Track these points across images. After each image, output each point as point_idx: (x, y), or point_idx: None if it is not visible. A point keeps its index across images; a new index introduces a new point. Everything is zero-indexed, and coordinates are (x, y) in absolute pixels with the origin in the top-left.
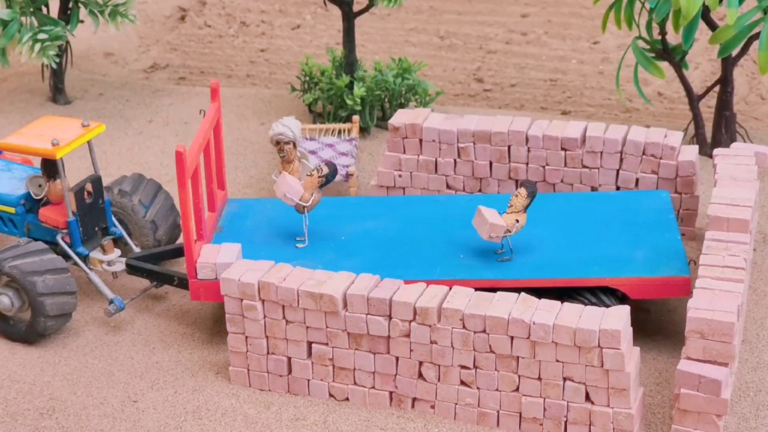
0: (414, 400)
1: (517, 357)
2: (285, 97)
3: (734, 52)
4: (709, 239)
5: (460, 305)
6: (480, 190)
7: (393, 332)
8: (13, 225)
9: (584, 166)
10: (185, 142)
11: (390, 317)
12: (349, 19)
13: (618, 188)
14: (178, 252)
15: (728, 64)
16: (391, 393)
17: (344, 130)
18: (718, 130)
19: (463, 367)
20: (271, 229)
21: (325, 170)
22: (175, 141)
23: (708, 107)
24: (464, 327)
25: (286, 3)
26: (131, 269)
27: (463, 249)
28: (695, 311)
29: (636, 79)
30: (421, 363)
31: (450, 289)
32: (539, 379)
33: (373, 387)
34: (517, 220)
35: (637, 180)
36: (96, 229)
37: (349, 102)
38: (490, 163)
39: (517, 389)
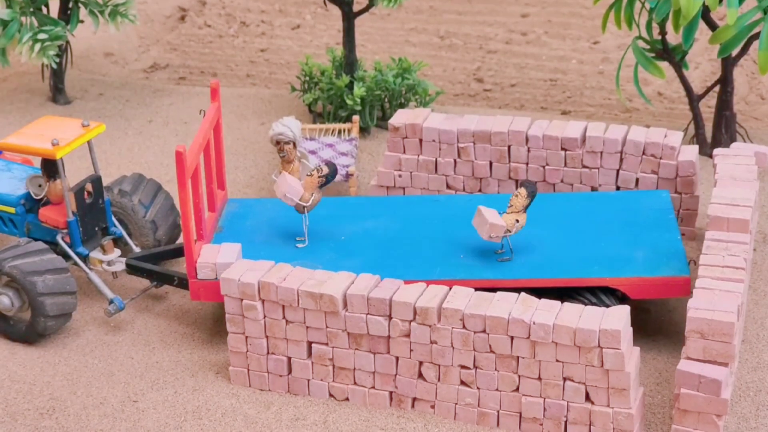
0: (414, 400)
1: (517, 357)
2: (285, 97)
3: (734, 52)
4: (709, 239)
5: (460, 305)
6: (480, 190)
7: (393, 332)
8: (13, 225)
9: (584, 166)
10: (185, 142)
11: (390, 317)
12: (349, 19)
13: (618, 188)
14: (178, 252)
15: (728, 64)
16: (391, 393)
17: (344, 130)
18: (718, 130)
19: (463, 367)
20: (271, 229)
21: (325, 170)
22: (175, 141)
23: (708, 107)
24: (464, 327)
25: (286, 3)
26: (131, 269)
27: (463, 249)
28: (695, 311)
29: (636, 79)
30: (421, 363)
31: (450, 289)
32: (539, 379)
33: (373, 387)
34: (517, 220)
35: (637, 180)
36: (96, 229)
37: (349, 102)
38: (490, 163)
39: (517, 389)
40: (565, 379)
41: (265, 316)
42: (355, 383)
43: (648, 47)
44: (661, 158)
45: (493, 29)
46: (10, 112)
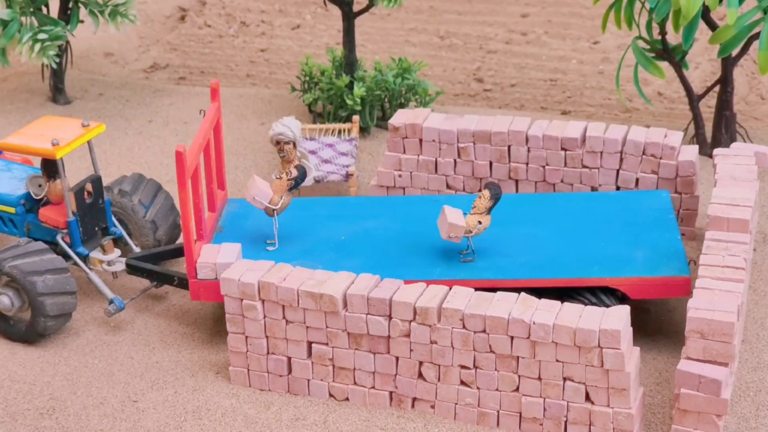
0: (414, 400)
1: (517, 357)
2: (285, 97)
3: (734, 52)
4: (709, 239)
5: (460, 305)
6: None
7: (393, 332)
8: (13, 225)
9: (584, 166)
10: (185, 142)
11: (390, 317)
12: (349, 19)
13: (618, 188)
14: (178, 252)
15: (728, 64)
16: (391, 393)
17: (344, 130)
18: (718, 130)
19: (463, 367)
20: (271, 229)
21: (294, 173)
22: (175, 141)
23: (708, 107)
24: (464, 327)
25: (286, 3)
26: (131, 269)
27: (463, 249)
28: (695, 311)
29: (636, 79)
30: (421, 363)
31: (450, 289)
32: (539, 379)
33: (373, 387)
34: (480, 222)
35: (637, 180)
36: (96, 229)
37: (349, 102)
38: (490, 163)
39: (517, 389)
40: (565, 379)
41: (265, 316)
42: (355, 383)
43: (648, 47)
44: (661, 158)
45: (493, 29)
46: (10, 112)
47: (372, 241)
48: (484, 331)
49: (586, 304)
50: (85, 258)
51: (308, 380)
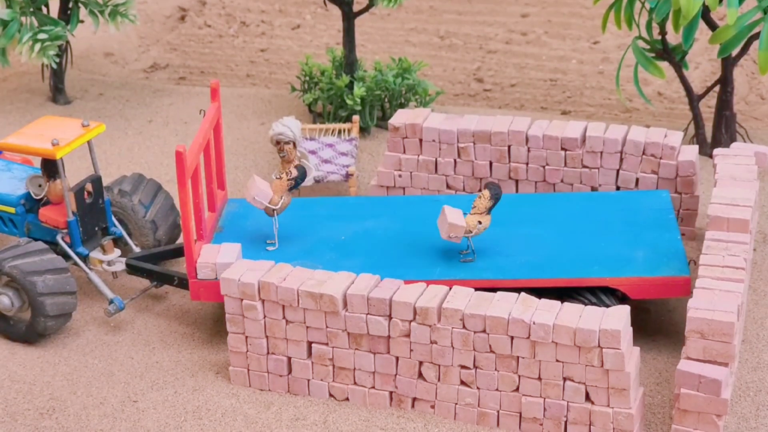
0: (414, 400)
1: (517, 357)
2: (285, 97)
3: (734, 52)
4: (709, 239)
5: (460, 305)
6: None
7: (393, 332)
8: (13, 225)
9: (584, 166)
10: (185, 142)
11: (390, 317)
12: (349, 19)
13: (618, 188)
14: (178, 252)
15: (728, 64)
16: (391, 393)
17: (344, 130)
18: (718, 130)
19: (463, 367)
20: (271, 229)
21: (294, 173)
22: (175, 141)
23: (708, 107)
24: (464, 327)
25: (286, 3)
26: (131, 269)
27: (463, 249)
28: (695, 311)
29: (636, 79)
30: (421, 363)
31: (450, 289)
32: (539, 379)
33: (373, 387)
34: (480, 222)
35: (637, 180)
36: (96, 229)
37: (349, 102)
38: (490, 163)
39: (517, 389)
40: (565, 379)
41: (265, 316)
42: (355, 383)
43: (648, 47)
44: (661, 158)
45: (493, 29)
46: (10, 112)
47: (372, 241)
48: (484, 331)
49: (586, 304)
50: (85, 258)
51: (308, 380)
